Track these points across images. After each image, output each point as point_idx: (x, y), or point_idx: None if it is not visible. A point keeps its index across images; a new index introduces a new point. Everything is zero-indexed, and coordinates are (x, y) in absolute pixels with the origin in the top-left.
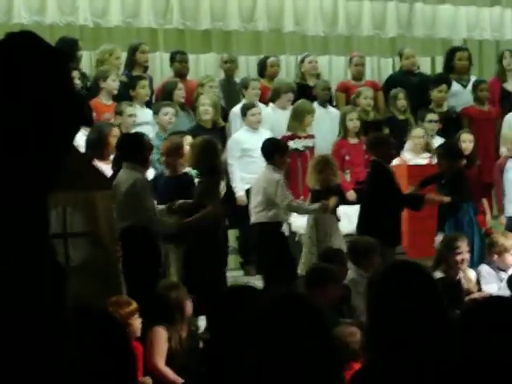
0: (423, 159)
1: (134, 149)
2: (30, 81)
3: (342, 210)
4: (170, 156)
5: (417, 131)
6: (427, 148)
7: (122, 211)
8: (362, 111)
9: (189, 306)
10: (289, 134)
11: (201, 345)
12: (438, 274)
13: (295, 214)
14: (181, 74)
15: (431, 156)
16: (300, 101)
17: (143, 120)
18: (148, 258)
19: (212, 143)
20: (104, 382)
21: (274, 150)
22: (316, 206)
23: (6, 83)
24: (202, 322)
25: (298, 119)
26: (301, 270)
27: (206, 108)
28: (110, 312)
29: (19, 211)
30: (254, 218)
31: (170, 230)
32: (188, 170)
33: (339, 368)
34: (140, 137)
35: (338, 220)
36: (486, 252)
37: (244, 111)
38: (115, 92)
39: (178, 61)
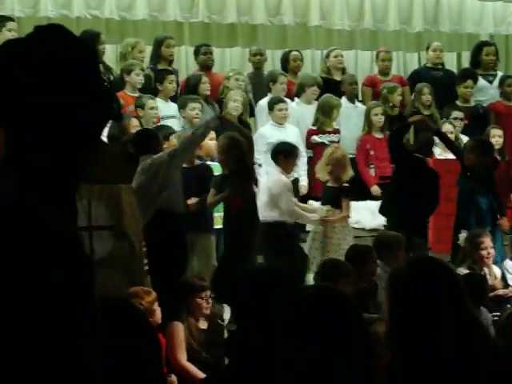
0: (450, 154)
1: (148, 143)
2: (59, 73)
3: (367, 205)
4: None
5: (446, 126)
6: None
7: (147, 200)
8: (389, 107)
9: (201, 302)
10: (314, 128)
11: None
12: (463, 271)
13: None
14: (206, 67)
15: None
16: (326, 95)
17: (168, 114)
18: (174, 248)
19: (238, 140)
20: (134, 374)
21: (278, 152)
22: (317, 217)
23: (35, 76)
24: (227, 315)
25: (326, 114)
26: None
27: (237, 105)
28: (133, 303)
29: (47, 202)
30: (262, 216)
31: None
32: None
33: (371, 357)
34: (152, 131)
35: (349, 216)
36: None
37: (271, 105)
38: (139, 86)
39: (203, 53)
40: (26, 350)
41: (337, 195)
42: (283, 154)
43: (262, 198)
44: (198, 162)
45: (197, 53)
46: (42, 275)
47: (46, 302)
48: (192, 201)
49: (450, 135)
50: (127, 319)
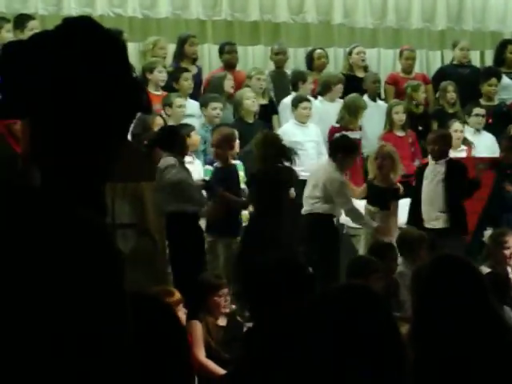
0: (460, 152)
1: (172, 141)
2: (89, 64)
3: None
4: (218, 147)
5: (456, 125)
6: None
7: (165, 198)
8: (413, 105)
9: (219, 300)
10: (337, 126)
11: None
12: (485, 269)
13: None
14: (230, 65)
15: (468, 149)
16: (354, 96)
17: (189, 112)
18: (192, 246)
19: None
20: (163, 368)
21: (339, 149)
22: (375, 225)
23: (64, 67)
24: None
25: (352, 114)
26: None
27: (253, 101)
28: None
29: (76, 197)
30: (308, 208)
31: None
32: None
33: (404, 355)
34: (176, 129)
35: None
36: None
37: (296, 104)
38: (162, 83)
39: (228, 51)
40: (58, 344)
41: (385, 197)
42: (343, 153)
43: (312, 192)
44: (232, 161)
45: (221, 51)
46: (73, 270)
47: (78, 296)
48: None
49: (459, 134)
50: (157, 314)
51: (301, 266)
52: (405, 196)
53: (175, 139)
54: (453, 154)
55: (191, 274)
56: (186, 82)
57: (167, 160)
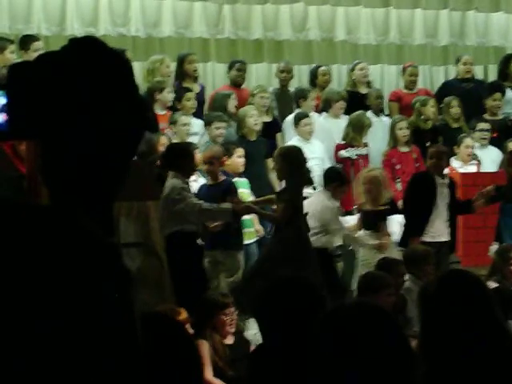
0: (471, 166)
1: (179, 158)
2: (97, 84)
3: (395, 219)
4: (210, 164)
5: (468, 141)
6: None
7: (165, 218)
8: (422, 120)
9: (225, 319)
10: (343, 142)
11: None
12: (492, 284)
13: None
14: (236, 83)
15: (478, 163)
16: (359, 113)
17: (191, 131)
18: (192, 265)
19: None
20: None
21: (333, 178)
22: (373, 243)
23: (72, 88)
24: (254, 331)
25: (357, 131)
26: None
27: (256, 119)
28: (173, 318)
29: (84, 214)
30: None
31: (224, 216)
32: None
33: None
34: (186, 147)
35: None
36: None
37: (297, 120)
38: (169, 104)
39: (237, 69)
40: (66, 363)
41: (373, 219)
42: (337, 183)
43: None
44: (222, 177)
45: (230, 68)
46: (82, 288)
47: (86, 315)
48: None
49: (470, 150)
50: (168, 332)
51: (313, 286)
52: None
53: (185, 158)
54: (463, 168)
55: (193, 294)
56: (189, 102)
57: (174, 182)
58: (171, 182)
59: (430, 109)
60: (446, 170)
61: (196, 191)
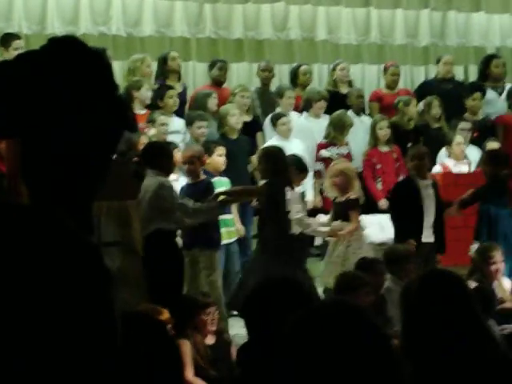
0: (464, 165)
1: (158, 157)
2: (77, 84)
3: (375, 219)
4: (191, 164)
5: (458, 138)
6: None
7: (149, 216)
8: (406, 120)
9: (206, 318)
10: (324, 142)
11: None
12: (473, 284)
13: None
14: (218, 82)
15: (469, 162)
16: (340, 112)
17: (173, 129)
18: (171, 264)
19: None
20: None
21: (291, 164)
22: (325, 229)
23: (53, 87)
24: (235, 330)
25: (339, 131)
26: (324, 278)
27: (237, 117)
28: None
29: (66, 216)
30: None
31: (213, 213)
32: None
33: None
34: (164, 145)
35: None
36: None
37: (274, 121)
38: (148, 102)
39: (218, 68)
40: (44, 364)
41: (344, 209)
42: (297, 168)
43: None
44: (203, 177)
45: (212, 66)
46: (61, 287)
47: (66, 316)
48: None
49: (462, 146)
50: (148, 332)
51: (298, 283)
52: (387, 211)
53: (164, 157)
54: (457, 166)
55: (168, 294)
56: (171, 99)
57: (160, 179)
58: (157, 179)
59: (413, 109)
60: (439, 168)
61: (178, 190)
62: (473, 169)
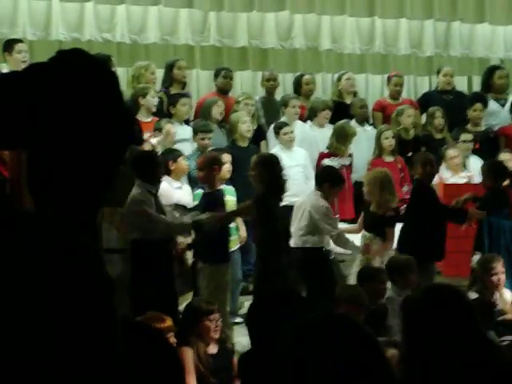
0: (462, 178)
1: (145, 167)
2: (84, 97)
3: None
4: (204, 171)
5: (450, 152)
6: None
7: (130, 226)
8: (402, 130)
9: (209, 325)
10: (327, 151)
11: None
12: (473, 295)
13: None
14: (223, 90)
15: (470, 175)
16: (343, 122)
17: (182, 137)
18: (156, 272)
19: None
20: None
21: (326, 179)
22: (360, 247)
23: (60, 99)
24: (237, 339)
25: (341, 141)
26: None
27: (248, 125)
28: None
29: (69, 222)
30: (299, 241)
31: (183, 231)
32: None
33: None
34: (152, 155)
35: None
36: None
37: (276, 130)
38: (154, 109)
39: (223, 76)
40: (48, 370)
41: (381, 224)
42: (330, 183)
43: (299, 223)
44: (219, 186)
45: (217, 75)
46: (63, 294)
47: (67, 322)
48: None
49: (457, 159)
50: (148, 341)
51: (300, 298)
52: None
53: (149, 166)
54: (454, 178)
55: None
56: (184, 107)
57: (134, 193)
58: (133, 192)
59: (407, 118)
60: (437, 179)
61: (180, 198)
62: (476, 179)
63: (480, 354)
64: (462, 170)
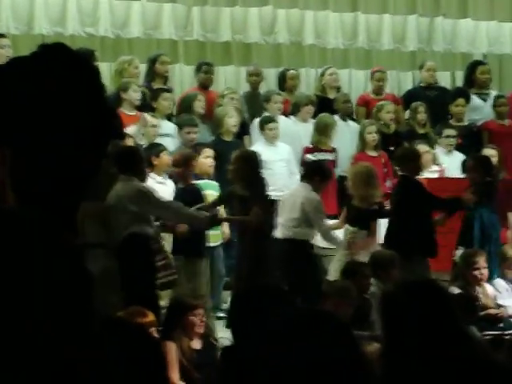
0: (433, 173)
1: (129, 162)
2: (65, 92)
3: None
4: (179, 167)
5: (421, 148)
6: (435, 162)
7: (124, 221)
8: (383, 125)
9: (194, 320)
10: (310, 146)
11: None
12: (455, 290)
13: None
14: (204, 85)
15: (441, 169)
16: (322, 115)
17: (164, 132)
18: (146, 267)
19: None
20: None
21: (316, 172)
22: (344, 242)
23: (40, 95)
24: (220, 334)
25: (323, 133)
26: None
27: (235, 120)
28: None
29: (50, 219)
30: (287, 232)
31: (199, 225)
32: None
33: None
34: (135, 149)
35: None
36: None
37: (262, 125)
38: (137, 103)
39: (204, 71)
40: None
41: (366, 218)
42: (321, 177)
43: (289, 215)
44: (192, 181)
45: (198, 70)
46: (42, 291)
47: (45, 318)
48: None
49: (427, 155)
50: (130, 335)
51: (277, 287)
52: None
53: (136, 162)
54: (425, 174)
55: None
56: (166, 101)
57: (137, 185)
58: (132, 184)
59: (386, 114)
60: None
61: (164, 193)
62: (446, 175)
63: (459, 349)
64: (431, 166)
